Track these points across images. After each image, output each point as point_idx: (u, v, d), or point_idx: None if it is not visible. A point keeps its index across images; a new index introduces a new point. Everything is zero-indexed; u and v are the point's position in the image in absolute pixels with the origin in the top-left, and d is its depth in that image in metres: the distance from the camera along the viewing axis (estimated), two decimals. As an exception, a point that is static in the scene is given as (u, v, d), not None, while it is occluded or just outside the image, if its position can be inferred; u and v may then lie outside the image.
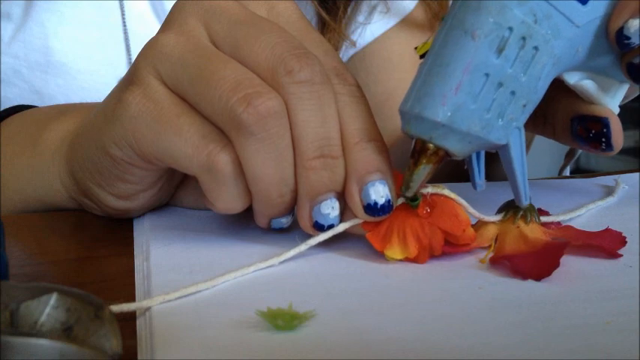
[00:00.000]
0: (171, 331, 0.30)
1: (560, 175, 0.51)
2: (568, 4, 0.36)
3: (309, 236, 0.38)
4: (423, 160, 0.36)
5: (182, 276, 0.35)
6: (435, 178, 0.37)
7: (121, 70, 0.62)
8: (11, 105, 0.54)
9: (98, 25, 0.63)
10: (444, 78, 0.35)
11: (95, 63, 0.62)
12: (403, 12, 0.69)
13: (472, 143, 0.36)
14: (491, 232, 0.39)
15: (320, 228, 0.38)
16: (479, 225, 0.39)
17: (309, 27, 0.40)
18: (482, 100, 0.35)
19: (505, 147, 0.37)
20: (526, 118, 0.37)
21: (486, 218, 0.39)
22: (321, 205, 0.37)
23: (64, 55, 0.62)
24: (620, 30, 0.36)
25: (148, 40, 0.39)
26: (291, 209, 0.39)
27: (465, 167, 0.40)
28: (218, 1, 0.39)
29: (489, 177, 0.40)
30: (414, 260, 0.37)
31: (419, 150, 0.37)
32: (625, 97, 0.42)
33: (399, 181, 0.38)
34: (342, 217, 0.38)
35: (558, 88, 0.40)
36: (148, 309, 0.32)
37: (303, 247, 0.37)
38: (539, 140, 0.51)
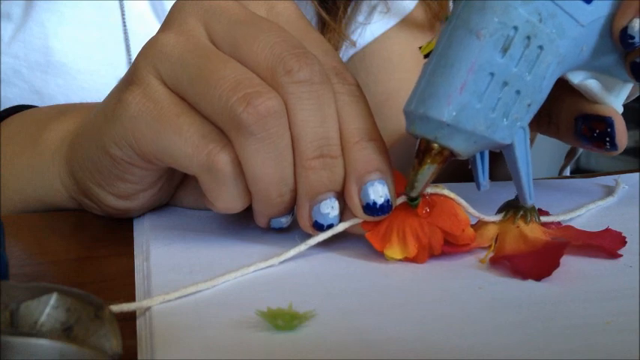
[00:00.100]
0: (171, 331, 0.30)
1: (560, 175, 0.51)
2: (573, 3, 0.36)
3: (309, 236, 0.38)
4: (428, 160, 0.36)
5: (182, 276, 0.35)
6: (439, 178, 0.37)
7: (121, 70, 0.62)
8: (11, 105, 0.54)
9: (98, 25, 0.63)
10: (449, 78, 0.35)
11: (95, 63, 0.62)
12: (403, 12, 0.69)
13: (477, 143, 0.36)
14: (491, 232, 0.39)
15: (319, 228, 0.37)
16: (479, 225, 0.39)
17: (309, 27, 0.40)
18: (487, 100, 0.35)
19: (510, 146, 0.37)
20: (531, 117, 0.37)
21: (486, 218, 0.39)
22: (320, 204, 0.37)
23: (64, 55, 0.62)
24: (625, 29, 0.36)
25: (147, 40, 0.39)
26: (291, 209, 0.39)
27: (469, 167, 0.40)
28: (218, 0, 0.39)
29: (491, 177, 0.40)
30: (414, 260, 0.37)
31: (423, 150, 0.37)
32: (628, 97, 0.42)
33: (399, 181, 0.38)
34: (342, 217, 0.38)
35: (562, 87, 0.40)
36: (148, 309, 0.32)
37: (302, 247, 0.37)
38: (540, 140, 0.51)
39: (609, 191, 0.48)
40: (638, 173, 0.51)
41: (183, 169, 0.38)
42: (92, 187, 0.42)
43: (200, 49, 0.37)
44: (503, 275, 0.36)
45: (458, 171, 0.45)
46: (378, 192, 0.37)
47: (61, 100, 0.61)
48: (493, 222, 0.39)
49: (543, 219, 0.40)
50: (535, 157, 0.40)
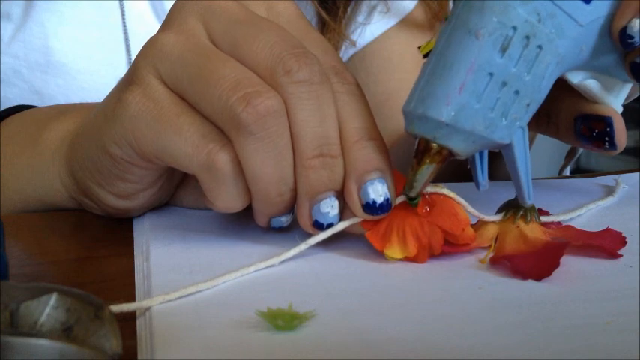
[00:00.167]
0: (171, 331, 0.30)
1: (560, 175, 0.51)
2: (572, 3, 0.36)
3: (309, 235, 0.38)
4: (427, 159, 0.36)
5: (182, 276, 0.35)
6: (438, 178, 0.37)
7: (121, 70, 0.62)
8: (11, 105, 0.54)
9: (98, 25, 0.63)
10: (448, 78, 0.35)
11: (95, 63, 0.62)
12: (403, 12, 0.69)
13: (476, 143, 0.36)
14: (491, 231, 0.39)
15: (319, 227, 0.38)
16: (479, 225, 0.39)
17: (309, 26, 0.40)
18: (486, 100, 0.35)
19: (509, 146, 0.37)
20: (529, 117, 0.37)
21: (486, 218, 0.39)
22: (320, 204, 0.37)
23: (64, 55, 0.62)
24: (624, 29, 0.36)
25: (147, 40, 0.39)
26: (291, 208, 0.39)
27: (468, 167, 0.39)
28: (217, 0, 0.39)
29: (491, 177, 0.40)
30: (414, 259, 0.37)
31: (422, 150, 0.37)
32: (628, 97, 0.42)
33: (399, 180, 0.38)
34: (342, 216, 0.38)
35: (562, 87, 0.40)
36: (148, 309, 0.32)
37: (303, 246, 0.37)
38: (540, 140, 0.51)
39: (609, 191, 0.48)
40: (638, 173, 0.51)
41: (183, 168, 0.38)
42: (92, 187, 0.42)
43: (200, 49, 0.37)
44: (503, 275, 0.36)
45: (458, 171, 0.45)
46: (378, 191, 0.37)
47: (61, 100, 0.61)
48: (493, 222, 0.39)
49: (543, 219, 0.40)
50: (535, 157, 0.40)
